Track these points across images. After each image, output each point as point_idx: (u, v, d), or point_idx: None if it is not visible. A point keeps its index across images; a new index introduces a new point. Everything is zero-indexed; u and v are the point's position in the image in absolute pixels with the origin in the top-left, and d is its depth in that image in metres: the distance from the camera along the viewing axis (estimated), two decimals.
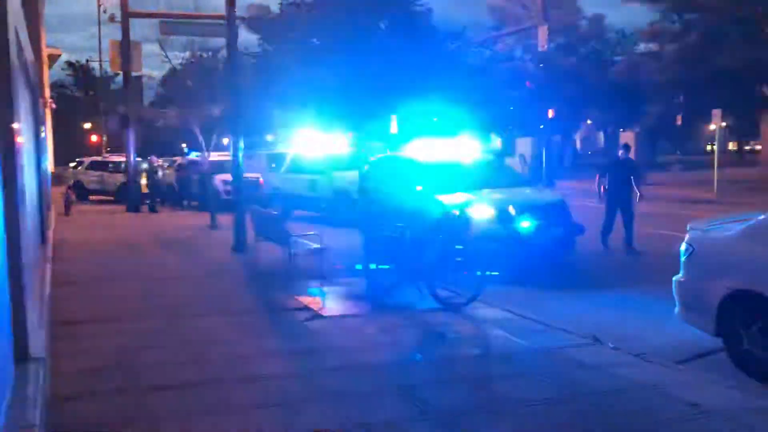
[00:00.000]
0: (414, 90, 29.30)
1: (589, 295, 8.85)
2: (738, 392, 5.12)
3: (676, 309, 6.49)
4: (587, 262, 10.93)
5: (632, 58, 33.64)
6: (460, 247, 8.16)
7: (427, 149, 11.84)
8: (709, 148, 25.13)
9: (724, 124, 59.09)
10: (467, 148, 12.27)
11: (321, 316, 7.60)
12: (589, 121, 59.15)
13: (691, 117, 33.45)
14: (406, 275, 8.40)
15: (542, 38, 28.82)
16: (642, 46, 33.99)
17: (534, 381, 5.47)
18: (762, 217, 5.93)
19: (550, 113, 28.72)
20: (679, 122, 32.37)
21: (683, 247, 6.42)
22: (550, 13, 30.00)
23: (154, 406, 4.95)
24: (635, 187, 12.32)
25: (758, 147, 35.87)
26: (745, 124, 38.33)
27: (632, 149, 13.71)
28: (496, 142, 47.74)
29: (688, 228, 6.60)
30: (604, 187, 12.38)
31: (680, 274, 6.44)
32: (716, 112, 22.77)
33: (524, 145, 34.44)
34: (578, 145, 65.94)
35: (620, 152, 12.84)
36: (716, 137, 25.30)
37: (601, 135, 56.39)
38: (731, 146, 56.13)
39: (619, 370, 5.71)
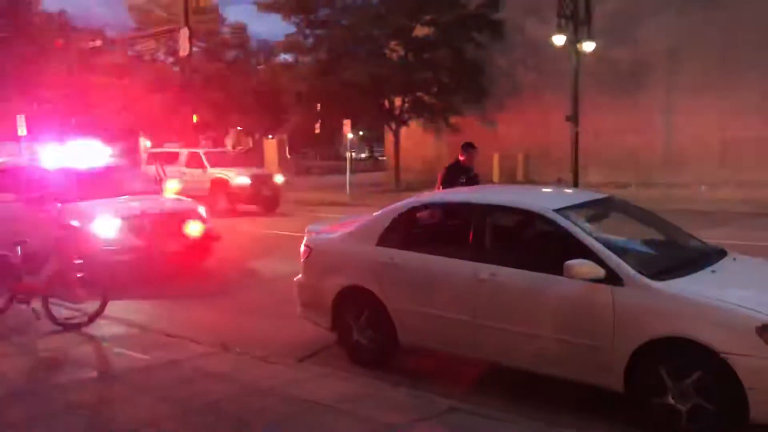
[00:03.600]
0: (44, 89, 26.68)
1: (223, 302, 8.86)
2: (346, 382, 5.53)
3: (298, 308, 6.82)
4: (224, 269, 10.96)
5: (273, 67, 35.05)
6: (81, 261, 7.49)
7: (56, 154, 10.74)
8: (350, 154, 27.66)
9: (360, 132, 64.55)
10: (97, 152, 11.40)
11: None
12: (239, 127, 60.26)
13: (328, 125, 36.04)
14: (19, 296, 7.46)
15: (184, 42, 28.41)
16: (282, 57, 35.70)
17: (157, 398, 5.24)
18: (364, 219, 6.54)
19: (195, 118, 28.45)
20: (317, 130, 34.82)
21: (302, 248, 6.77)
22: (192, 18, 29.72)
23: None
24: None
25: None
26: (377, 132, 42.94)
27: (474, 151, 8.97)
28: (144, 145, 45.78)
29: (306, 230, 6.98)
30: None
31: (300, 275, 6.78)
32: (346, 122, 24.94)
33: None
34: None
35: (462, 157, 8.97)
36: (347, 144, 27.74)
37: (250, 141, 57.93)
38: (366, 153, 62.15)
39: (244, 374, 5.76)
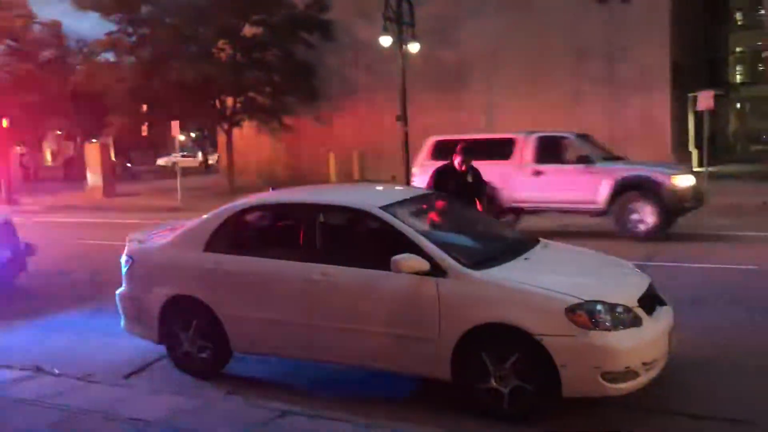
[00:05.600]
0: None
1: (39, 321, 8.15)
2: (175, 396, 5.29)
3: (122, 322, 6.45)
4: (40, 285, 10.12)
5: (93, 67, 32.88)
6: None
7: None
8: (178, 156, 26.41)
9: (192, 134, 61.98)
10: None
11: None
12: (58, 131, 56.06)
13: (157, 127, 34.51)
14: None
15: None
16: (103, 56, 33.45)
17: None
18: (189, 224, 6.31)
19: (5, 122, 26.08)
20: (145, 133, 33.12)
21: (123, 258, 6.41)
22: None
23: None
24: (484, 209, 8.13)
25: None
26: (211, 134, 41.69)
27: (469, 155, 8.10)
28: None
29: (127, 239, 6.60)
30: None
31: (123, 287, 6.41)
32: (174, 124, 23.86)
33: None
34: (50, 157, 62.02)
35: (457, 160, 8.05)
36: (176, 147, 26.69)
37: (71, 145, 54.01)
38: (200, 156, 60.04)
39: (63, 398, 5.34)
